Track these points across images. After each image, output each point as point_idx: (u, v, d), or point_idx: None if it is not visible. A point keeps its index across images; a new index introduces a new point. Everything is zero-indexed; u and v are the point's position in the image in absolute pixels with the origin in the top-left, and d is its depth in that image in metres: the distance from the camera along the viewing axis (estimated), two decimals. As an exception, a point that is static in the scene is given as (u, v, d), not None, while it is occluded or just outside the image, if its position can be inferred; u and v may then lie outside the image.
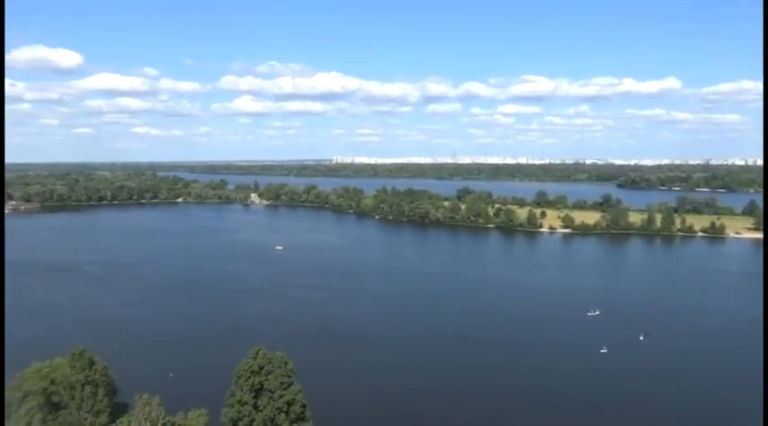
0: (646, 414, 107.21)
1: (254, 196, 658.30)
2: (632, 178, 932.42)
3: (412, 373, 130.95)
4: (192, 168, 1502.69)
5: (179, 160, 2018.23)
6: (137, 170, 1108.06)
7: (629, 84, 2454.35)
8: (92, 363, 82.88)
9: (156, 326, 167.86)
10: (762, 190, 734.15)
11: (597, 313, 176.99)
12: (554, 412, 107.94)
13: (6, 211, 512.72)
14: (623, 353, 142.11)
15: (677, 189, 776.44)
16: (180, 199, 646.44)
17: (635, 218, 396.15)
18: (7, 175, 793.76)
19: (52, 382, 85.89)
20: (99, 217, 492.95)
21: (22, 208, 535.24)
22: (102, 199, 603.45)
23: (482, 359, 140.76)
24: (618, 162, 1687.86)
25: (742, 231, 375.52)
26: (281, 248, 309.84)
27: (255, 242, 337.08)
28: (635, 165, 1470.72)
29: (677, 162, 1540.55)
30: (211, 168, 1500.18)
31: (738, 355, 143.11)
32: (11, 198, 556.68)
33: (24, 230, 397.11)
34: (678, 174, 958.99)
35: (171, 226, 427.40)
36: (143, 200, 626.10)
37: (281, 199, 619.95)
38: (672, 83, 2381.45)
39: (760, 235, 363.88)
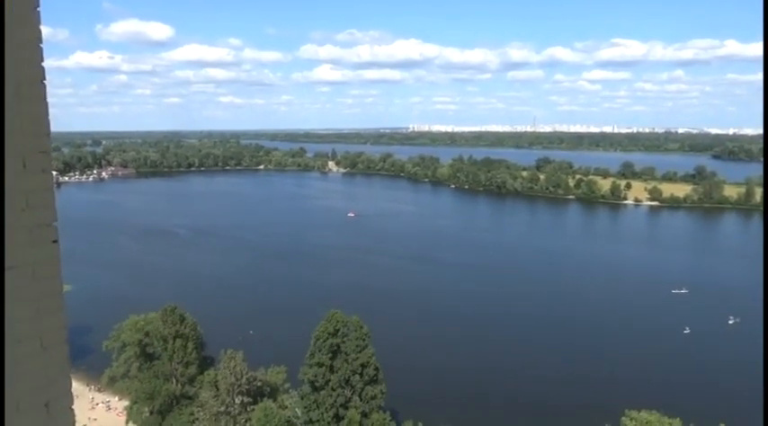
0: (714, 400, 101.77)
1: (331, 164, 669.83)
2: (730, 148, 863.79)
3: (482, 349, 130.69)
4: (272, 136, 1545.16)
5: (261, 128, 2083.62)
6: (222, 138, 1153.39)
7: (731, 47, 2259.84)
8: (182, 318, 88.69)
9: (239, 286, 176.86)
10: None
11: (684, 291, 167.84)
12: (627, 384, 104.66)
13: (105, 176, 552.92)
14: (707, 336, 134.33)
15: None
16: (261, 167, 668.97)
17: (731, 192, 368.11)
18: (107, 143, 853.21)
19: (147, 334, 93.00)
20: (188, 183, 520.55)
21: (120, 173, 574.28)
22: (190, 165, 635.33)
23: (557, 338, 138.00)
24: (714, 131, 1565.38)
25: None
26: (352, 215, 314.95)
27: (331, 208, 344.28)
28: (734, 135, 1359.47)
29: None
30: (291, 136, 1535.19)
31: None
32: (110, 163, 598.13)
33: (123, 194, 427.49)
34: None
35: (253, 192, 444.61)
36: (227, 167, 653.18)
37: (358, 167, 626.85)
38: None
39: None
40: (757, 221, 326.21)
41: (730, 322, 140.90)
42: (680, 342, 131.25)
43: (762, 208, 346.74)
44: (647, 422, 62.39)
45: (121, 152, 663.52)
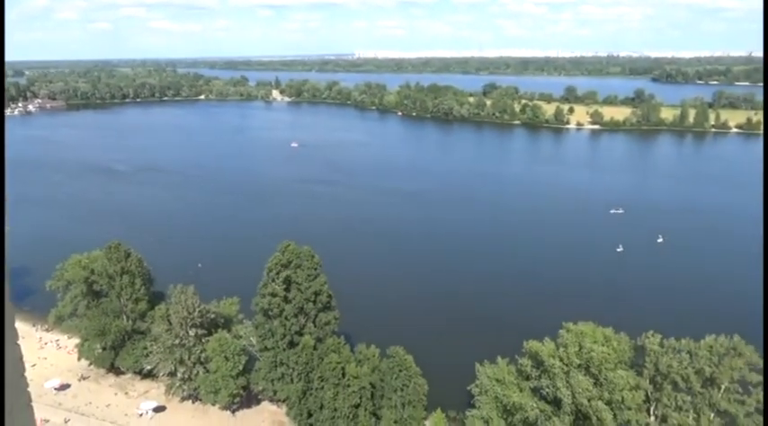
0: (642, 311, 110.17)
1: (275, 93, 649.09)
2: (668, 71, 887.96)
3: (431, 271, 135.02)
4: (211, 64, 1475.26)
5: (198, 56, 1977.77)
6: (157, 67, 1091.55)
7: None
8: (127, 255, 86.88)
9: (184, 222, 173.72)
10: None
11: (621, 211, 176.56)
12: (565, 298, 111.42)
13: (33, 109, 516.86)
14: (638, 253, 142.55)
15: (715, 83, 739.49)
16: (201, 97, 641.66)
17: (667, 114, 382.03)
18: (30, 73, 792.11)
19: (92, 272, 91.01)
20: (123, 115, 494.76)
21: (49, 106, 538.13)
22: (124, 96, 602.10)
23: (502, 258, 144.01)
24: (654, 54, 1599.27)
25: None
26: (295, 145, 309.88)
27: (277, 139, 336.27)
28: (672, 58, 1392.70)
29: (718, 54, 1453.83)
30: (231, 64, 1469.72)
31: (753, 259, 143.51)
32: (35, 95, 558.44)
33: (55, 128, 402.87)
34: (717, 67, 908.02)
35: (194, 124, 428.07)
36: (165, 98, 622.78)
37: (303, 95, 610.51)
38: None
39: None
40: (690, 142, 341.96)
41: (659, 240, 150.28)
42: (614, 259, 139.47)
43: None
44: (582, 333, 66.92)
45: (48, 83, 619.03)
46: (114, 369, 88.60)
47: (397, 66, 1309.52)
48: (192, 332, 78.33)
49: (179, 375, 78.95)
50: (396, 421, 69.30)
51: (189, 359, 78.26)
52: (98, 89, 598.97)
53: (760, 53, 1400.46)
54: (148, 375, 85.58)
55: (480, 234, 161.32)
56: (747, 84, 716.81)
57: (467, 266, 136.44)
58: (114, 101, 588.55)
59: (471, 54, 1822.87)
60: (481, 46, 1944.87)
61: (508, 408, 68.23)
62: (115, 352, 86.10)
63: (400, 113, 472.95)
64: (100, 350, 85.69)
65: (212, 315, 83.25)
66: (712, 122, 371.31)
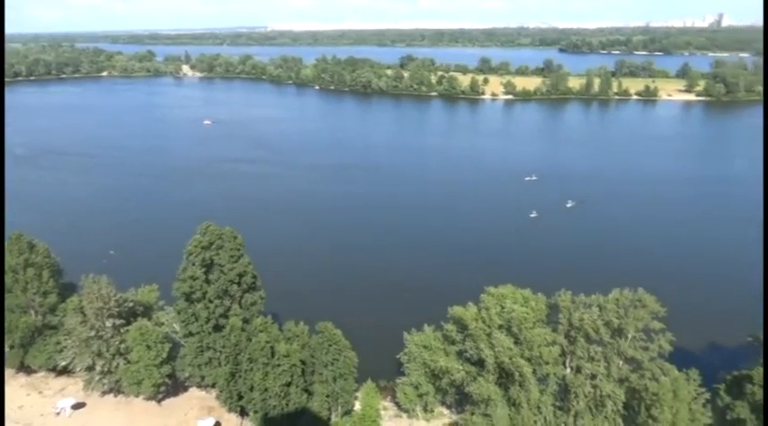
0: (554, 272, 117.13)
1: (185, 68, 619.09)
2: (574, 42, 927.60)
3: (356, 244, 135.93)
4: (113, 39, 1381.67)
5: (98, 30, 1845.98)
6: (52, 42, 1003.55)
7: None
8: (31, 246, 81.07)
9: (94, 208, 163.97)
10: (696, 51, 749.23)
11: (534, 178, 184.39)
12: (486, 264, 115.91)
13: None
14: (549, 218, 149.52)
15: (617, 52, 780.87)
16: (104, 73, 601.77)
17: (574, 83, 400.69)
18: None
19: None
20: (16, 94, 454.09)
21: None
22: (17, 74, 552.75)
23: (423, 228, 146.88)
24: (561, 26, 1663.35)
25: (674, 93, 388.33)
26: (208, 123, 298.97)
27: (190, 117, 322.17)
28: (578, 29, 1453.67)
29: (618, 25, 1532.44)
30: (136, 38, 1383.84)
31: (651, 218, 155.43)
32: None
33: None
34: (618, 38, 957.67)
35: (98, 103, 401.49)
36: (63, 75, 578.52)
37: (216, 70, 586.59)
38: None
39: (690, 97, 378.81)
40: (596, 110, 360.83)
41: (568, 205, 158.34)
42: (528, 224, 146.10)
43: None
44: (502, 295, 70.10)
45: None
46: (25, 368, 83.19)
47: (313, 38, 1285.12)
48: (108, 323, 74.68)
49: (98, 368, 75.28)
50: (328, 396, 69.99)
51: (107, 351, 74.75)
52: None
53: (657, 24, 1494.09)
54: (64, 371, 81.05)
55: (402, 205, 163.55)
56: (645, 53, 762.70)
57: (390, 238, 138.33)
58: (6, 79, 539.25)
59: (387, 26, 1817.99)
60: (397, 18, 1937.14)
61: (436, 373, 70.74)
62: (24, 350, 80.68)
63: (318, 87, 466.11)
64: (8, 349, 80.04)
65: (130, 304, 79.64)
66: (615, 90, 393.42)
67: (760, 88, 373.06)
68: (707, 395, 65.29)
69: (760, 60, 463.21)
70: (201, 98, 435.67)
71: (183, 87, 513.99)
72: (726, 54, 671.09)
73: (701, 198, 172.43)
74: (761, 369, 62.02)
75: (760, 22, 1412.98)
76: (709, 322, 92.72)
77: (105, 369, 75.43)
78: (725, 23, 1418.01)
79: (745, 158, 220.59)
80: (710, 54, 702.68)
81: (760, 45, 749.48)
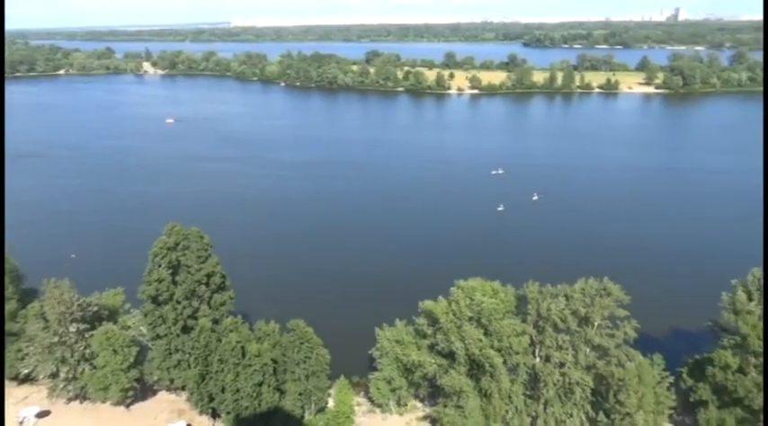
0: (521, 264, 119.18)
1: (146, 65, 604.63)
2: (537, 36, 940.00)
3: (325, 240, 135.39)
4: (70, 35, 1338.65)
5: (54, 27, 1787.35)
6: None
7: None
8: (-12, 252, 78.44)
9: (54, 210, 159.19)
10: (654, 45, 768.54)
11: (501, 172, 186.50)
12: (456, 258, 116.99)
13: None
14: (517, 211, 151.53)
15: (578, 46, 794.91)
16: (61, 72, 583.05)
17: (538, 77, 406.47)
18: None
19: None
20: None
21: None
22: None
23: (393, 223, 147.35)
24: (524, 20, 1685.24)
25: (634, 86, 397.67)
26: (171, 121, 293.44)
27: (152, 116, 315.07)
28: (540, 24, 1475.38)
29: (580, 19, 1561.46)
30: (94, 35, 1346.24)
31: (615, 208, 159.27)
32: None
33: None
34: (580, 32, 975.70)
35: (55, 102, 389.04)
36: (18, 73, 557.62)
37: (178, 67, 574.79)
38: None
39: (649, 90, 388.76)
40: (560, 103, 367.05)
41: (534, 198, 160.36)
42: (496, 218, 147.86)
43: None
44: (472, 288, 70.85)
45: None
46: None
47: (277, 34, 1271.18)
48: (72, 328, 72.67)
49: (62, 375, 73.28)
50: (300, 394, 69.68)
51: (72, 357, 72.82)
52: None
53: (616, 18, 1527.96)
54: (26, 379, 78.61)
55: (371, 201, 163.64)
56: (606, 47, 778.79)
57: (361, 234, 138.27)
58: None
59: (352, 21, 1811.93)
60: (362, 13, 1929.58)
61: (408, 367, 71.14)
62: (-17, 359, 78.01)
63: (283, 83, 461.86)
64: (-35, 359, 77.21)
65: (95, 308, 77.65)
66: (578, 84, 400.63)
67: (715, 80, 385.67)
68: (671, 379, 67.52)
69: (715, 53, 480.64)
70: (164, 96, 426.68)
71: (144, 85, 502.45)
72: (682, 47, 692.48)
73: (660, 187, 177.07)
74: (721, 352, 64.36)
75: (713, 15, 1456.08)
76: (671, 308, 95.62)
77: (70, 376, 73.51)
78: (681, 17, 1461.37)
79: (702, 149, 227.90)
80: (668, 47, 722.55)
81: (714, 38, 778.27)
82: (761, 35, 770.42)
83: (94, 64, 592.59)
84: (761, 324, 62.58)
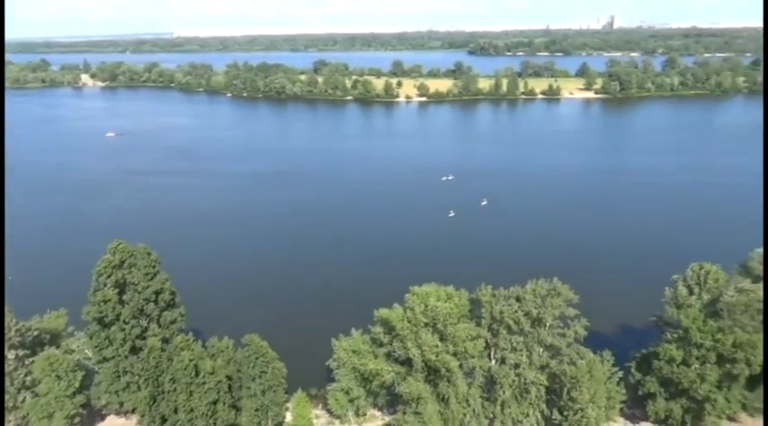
0: (474, 267, 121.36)
1: (85, 77, 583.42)
2: (482, 45, 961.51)
3: (278, 250, 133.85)
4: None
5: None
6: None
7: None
8: None
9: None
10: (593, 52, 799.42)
11: (451, 178, 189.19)
12: (409, 264, 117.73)
13: None
14: (467, 216, 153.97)
15: (521, 54, 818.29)
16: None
17: (484, 84, 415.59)
18: None
19: None
20: None
21: None
22: None
23: (344, 231, 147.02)
24: (469, 29, 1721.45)
25: (575, 91, 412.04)
26: (111, 135, 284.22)
27: (92, 129, 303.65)
28: (484, 32, 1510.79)
29: (521, 27, 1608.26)
30: (26, 47, 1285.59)
31: (561, 211, 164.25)
32: None
33: None
34: (522, 40, 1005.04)
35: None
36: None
37: (119, 79, 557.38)
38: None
39: (589, 95, 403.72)
40: (505, 109, 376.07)
41: (483, 203, 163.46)
42: (447, 223, 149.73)
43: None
44: (426, 294, 71.31)
45: None
46: None
47: (223, 44, 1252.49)
48: (11, 355, 69.01)
49: (1, 405, 69.33)
50: (257, 410, 68.27)
51: (12, 385, 69.04)
52: None
53: (556, 26, 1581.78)
54: (-39, 412, 73.93)
55: (323, 212, 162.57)
56: (547, 54, 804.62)
57: (313, 244, 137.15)
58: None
59: (298, 31, 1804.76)
60: (308, 23, 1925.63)
61: (366, 376, 70.87)
62: None
63: (230, 94, 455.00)
64: None
65: (35, 332, 74.02)
66: (522, 90, 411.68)
67: (650, 85, 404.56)
68: (620, 374, 69.96)
69: (649, 59, 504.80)
70: (104, 109, 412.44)
71: (83, 98, 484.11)
72: (618, 53, 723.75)
73: (603, 189, 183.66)
74: (665, 346, 67.08)
75: (646, 23, 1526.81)
76: (618, 306, 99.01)
77: (10, 405, 69.62)
78: (616, 25, 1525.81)
79: (641, 151, 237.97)
80: (605, 54, 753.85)
81: (648, 44, 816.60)
82: (690, 41, 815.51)
83: (29, 76, 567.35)
84: (701, 317, 65.67)
